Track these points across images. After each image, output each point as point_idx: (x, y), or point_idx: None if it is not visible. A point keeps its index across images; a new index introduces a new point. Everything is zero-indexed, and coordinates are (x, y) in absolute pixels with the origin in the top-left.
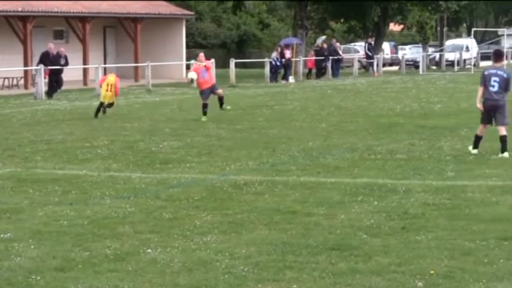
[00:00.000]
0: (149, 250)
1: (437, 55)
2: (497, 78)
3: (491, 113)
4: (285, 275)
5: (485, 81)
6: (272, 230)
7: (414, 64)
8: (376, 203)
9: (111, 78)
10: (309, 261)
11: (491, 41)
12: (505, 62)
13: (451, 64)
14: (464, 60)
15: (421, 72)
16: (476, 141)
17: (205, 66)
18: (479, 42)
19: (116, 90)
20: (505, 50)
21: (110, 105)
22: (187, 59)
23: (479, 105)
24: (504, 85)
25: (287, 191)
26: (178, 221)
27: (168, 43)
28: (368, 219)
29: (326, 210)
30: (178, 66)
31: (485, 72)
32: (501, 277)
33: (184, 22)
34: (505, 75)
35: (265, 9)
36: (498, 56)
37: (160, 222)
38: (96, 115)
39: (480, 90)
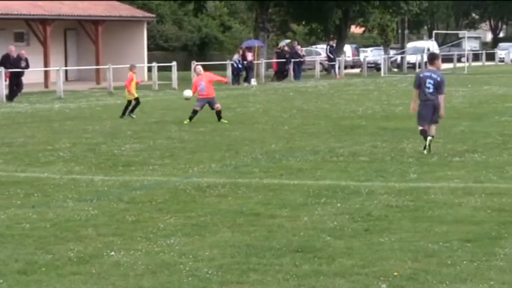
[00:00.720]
0: (112, 253)
1: (398, 57)
2: (431, 81)
3: (432, 111)
4: (249, 277)
5: (420, 83)
6: (235, 232)
7: (376, 66)
8: (339, 205)
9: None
10: (273, 263)
11: (452, 44)
12: (441, 64)
13: (412, 66)
14: (426, 63)
15: (382, 74)
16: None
17: (202, 77)
18: (440, 45)
19: (127, 87)
20: (465, 53)
21: (136, 100)
22: (149, 62)
23: (414, 107)
24: (438, 87)
25: (250, 193)
26: (141, 224)
27: (130, 46)
28: (331, 221)
29: (289, 212)
30: (139, 68)
31: (421, 75)
32: (464, 279)
33: (145, 25)
34: (438, 78)
35: (226, 11)
36: (432, 59)
37: (124, 225)
38: (123, 114)
39: (415, 92)
